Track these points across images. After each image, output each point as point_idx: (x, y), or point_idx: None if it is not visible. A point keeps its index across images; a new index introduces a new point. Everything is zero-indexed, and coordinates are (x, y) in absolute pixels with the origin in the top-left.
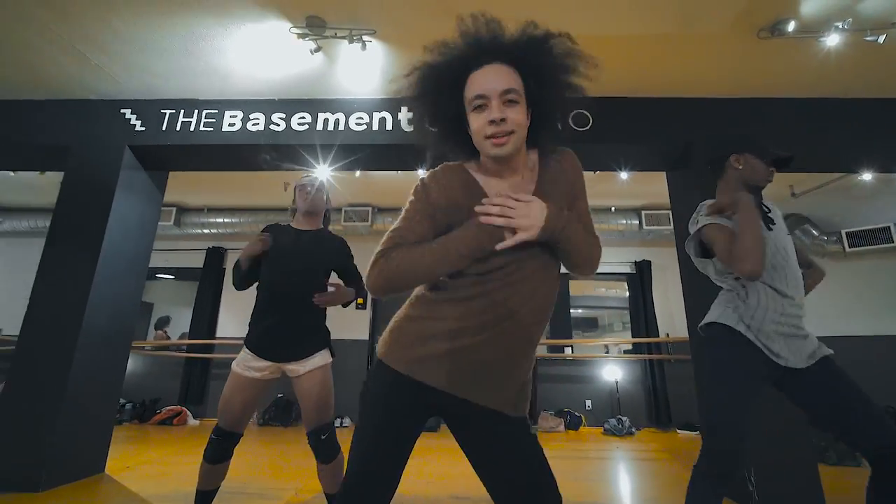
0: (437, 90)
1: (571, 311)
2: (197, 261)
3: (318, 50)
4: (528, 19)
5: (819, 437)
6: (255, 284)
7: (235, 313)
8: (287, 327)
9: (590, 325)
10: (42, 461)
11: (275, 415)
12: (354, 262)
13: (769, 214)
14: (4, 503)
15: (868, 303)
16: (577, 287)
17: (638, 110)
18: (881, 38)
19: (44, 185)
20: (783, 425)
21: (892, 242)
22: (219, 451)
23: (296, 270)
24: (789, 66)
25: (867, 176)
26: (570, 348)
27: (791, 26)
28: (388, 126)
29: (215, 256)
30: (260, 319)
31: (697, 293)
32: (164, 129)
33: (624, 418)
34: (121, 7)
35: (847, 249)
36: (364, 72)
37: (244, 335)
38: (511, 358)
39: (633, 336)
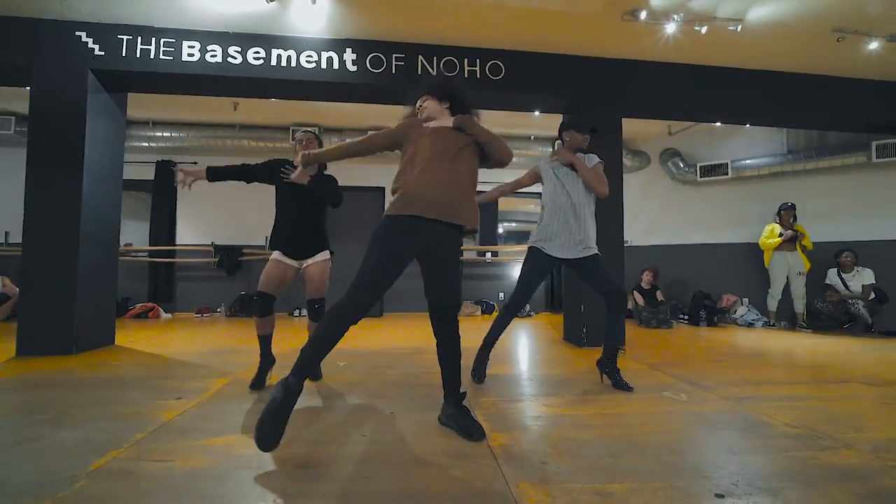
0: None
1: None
2: (146, 173)
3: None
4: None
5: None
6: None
7: (191, 223)
8: (301, 238)
9: (522, 238)
10: (71, 332)
11: (240, 308)
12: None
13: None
14: (51, 362)
15: (708, 220)
16: (509, 203)
17: (540, 64)
18: (703, 29)
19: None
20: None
21: (728, 175)
22: (263, 306)
23: (303, 202)
24: (647, 41)
25: (718, 124)
26: (489, 253)
27: (643, 15)
28: (335, 65)
29: (165, 170)
30: (282, 234)
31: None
32: (123, 54)
33: (527, 305)
34: None
35: (699, 179)
36: (312, 15)
37: (200, 242)
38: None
39: None
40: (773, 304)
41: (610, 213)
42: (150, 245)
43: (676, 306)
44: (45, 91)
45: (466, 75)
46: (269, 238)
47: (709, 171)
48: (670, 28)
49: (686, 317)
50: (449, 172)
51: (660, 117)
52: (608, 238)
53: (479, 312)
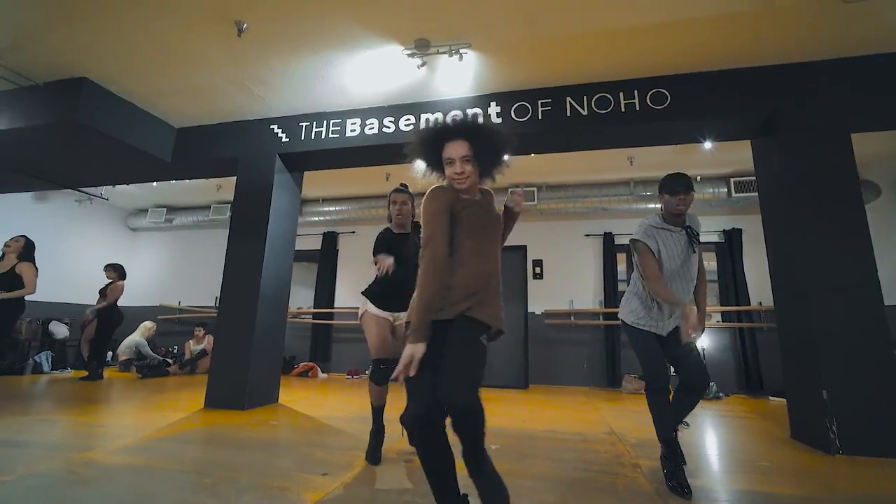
0: (427, 147)
1: None
2: (313, 243)
3: (423, 65)
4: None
5: None
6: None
7: (348, 287)
8: (397, 295)
9: None
10: (244, 390)
11: None
12: None
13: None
14: (227, 415)
15: None
16: None
17: (716, 82)
18: None
19: (199, 188)
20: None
21: None
22: (384, 375)
23: (401, 264)
24: (874, 26)
25: None
26: None
27: None
28: (479, 120)
29: (330, 239)
30: (383, 289)
31: (784, 261)
32: (301, 138)
33: (712, 383)
34: (278, 49)
35: None
36: (458, 77)
37: (356, 305)
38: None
39: (722, 304)
40: None
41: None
42: (314, 308)
43: None
44: (245, 177)
45: (623, 109)
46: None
47: None
48: None
49: None
50: None
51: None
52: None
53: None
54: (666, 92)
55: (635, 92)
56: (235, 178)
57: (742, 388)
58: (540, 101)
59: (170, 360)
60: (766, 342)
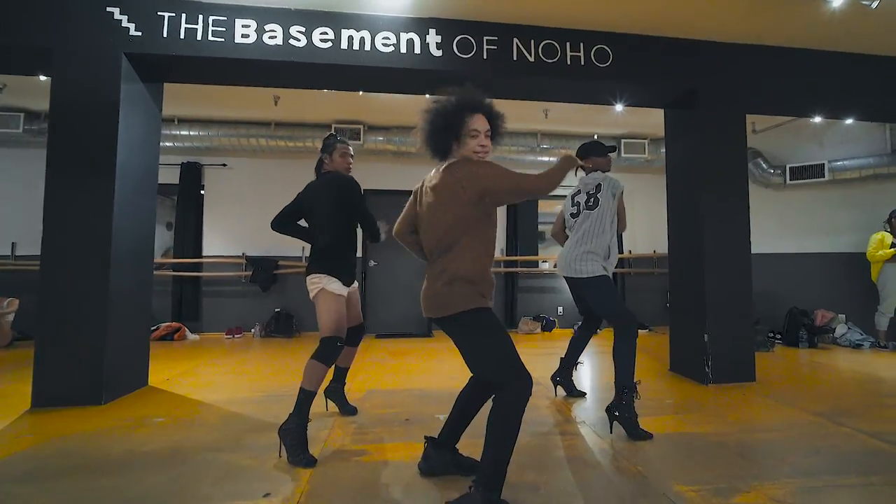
0: (450, 118)
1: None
2: (170, 177)
3: None
4: None
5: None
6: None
7: (220, 231)
8: (352, 261)
9: (540, 238)
10: (100, 377)
11: (276, 328)
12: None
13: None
14: (77, 414)
15: (796, 227)
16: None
17: (657, 49)
18: (874, 4)
19: None
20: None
21: (823, 177)
22: (338, 354)
23: (351, 218)
24: (789, 19)
25: (816, 119)
26: (544, 263)
27: None
28: (417, 49)
29: (192, 172)
30: (344, 259)
31: (682, 224)
32: (164, 35)
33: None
34: None
35: (787, 182)
36: None
37: (230, 253)
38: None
39: None
40: (883, 323)
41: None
42: (174, 257)
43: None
44: (69, 80)
45: (569, 62)
46: (317, 261)
47: (800, 172)
48: (836, 2)
49: (780, 337)
50: None
51: (787, 113)
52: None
53: (538, 329)
54: (609, 50)
55: (581, 45)
56: (47, 79)
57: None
58: (486, 38)
59: None
60: (632, 286)
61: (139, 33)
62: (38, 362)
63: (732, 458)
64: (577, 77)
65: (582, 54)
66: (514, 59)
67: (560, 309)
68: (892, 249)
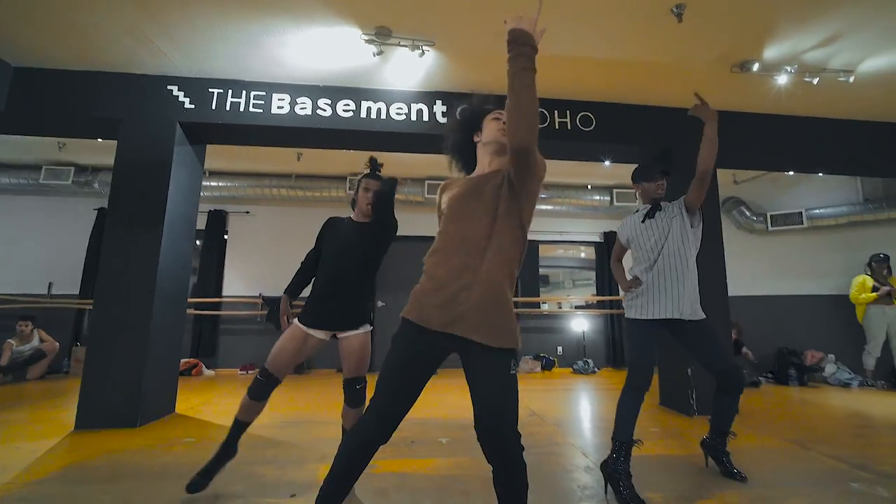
0: (466, 127)
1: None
2: (197, 223)
3: (379, 54)
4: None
5: None
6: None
7: (239, 273)
8: (342, 303)
9: (543, 281)
10: (137, 403)
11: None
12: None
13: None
14: (117, 435)
15: (780, 271)
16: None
17: (633, 116)
18: (815, 80)
19: (26, 143)
20: None
21: (802, 224)
22: (262, 390)
23: (353, 257)
24: (751, 92)
25: (790, 172)
26: (545, 304)
27: (755, 67)
28: (425, 117)
29: (217, 219)
30: (316, 297)
31: None
32: (213, 107)
33: (589, 360)
34: (205, 3)
35: (769, 228)
36: (410, 70)
37: (248, 293)
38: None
39: (599, 294)
40: (870, 363)
41: (712, 266)
42: (194, 297)
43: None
44: (132, 145)
45: (557, 126)
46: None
47: (781, 220)
48: (781, 80)
49: (771, 375)
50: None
51: (755, 168)
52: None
53: (538, 368)
54: (592, 116)
55: (567, 112)
56: (97, 140)
57: (609, 362)
58: (484, 107)
59: None
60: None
61: (192, 106)
62: (84, 388)
63: (702, 474)
64: (566, 139)
65: (568, 120)
66: None
67: (560, 348)
68: (874, 293)
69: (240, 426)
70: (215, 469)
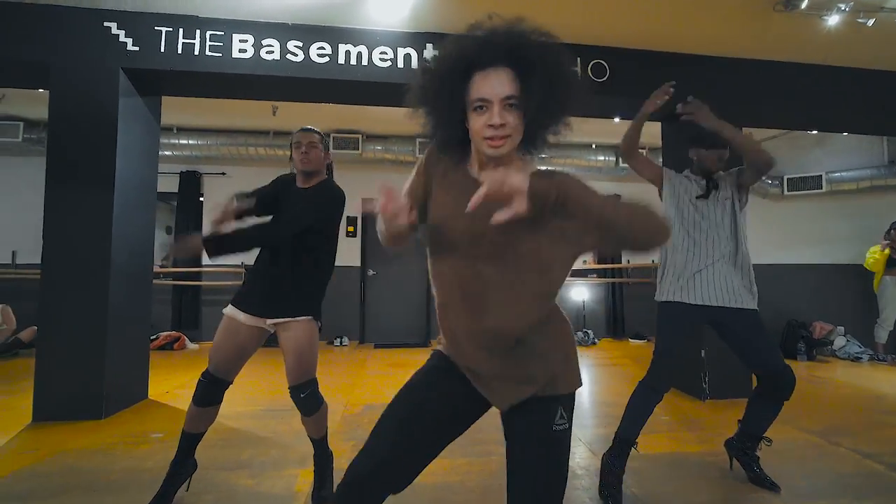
0: (441, 87)
1: None
2: (169, 185)
3: None
4: None
5: None
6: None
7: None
8: (273, 283)
9: None
10: (100, 390)
11: (273, 338)
12: (318, 206)
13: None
14: (78, 429)
15: (793, 239)
16: None
17: (655, 64)
18: (870, 21)
19: None
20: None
21: (821, 188)
22: (207, 395)
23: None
24: (791, 37)
25: (814, 132)
26: None
27: (804, 3)
28: (414, 63)
29: (190, 181)
30: (252, 278)
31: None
32: (162, 50)
33: (589, 331)
34: None
35: (785, 192)
36: (394, 4)
37: (229, 262)
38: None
39: (599, 262)
40: (882, 336)
41: None
42: (173, 266)
43: None
44: (67, 94)
45: None
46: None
47: (798, 184)
48: (832, 20)
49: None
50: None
51: (779, 126)
52: None
53: None
54: (606, 64)
55: (577, 59)
56: (47, 91)
57: (609, 333)
58: None
59: None
60: (630, 294)
61: (136, 48)
62: (38, 376)
63: (725, 480)
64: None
65: (579, 68)
66: None
67: None
68: (882, 252)
69: (190, 439)
70: (172, 490)
